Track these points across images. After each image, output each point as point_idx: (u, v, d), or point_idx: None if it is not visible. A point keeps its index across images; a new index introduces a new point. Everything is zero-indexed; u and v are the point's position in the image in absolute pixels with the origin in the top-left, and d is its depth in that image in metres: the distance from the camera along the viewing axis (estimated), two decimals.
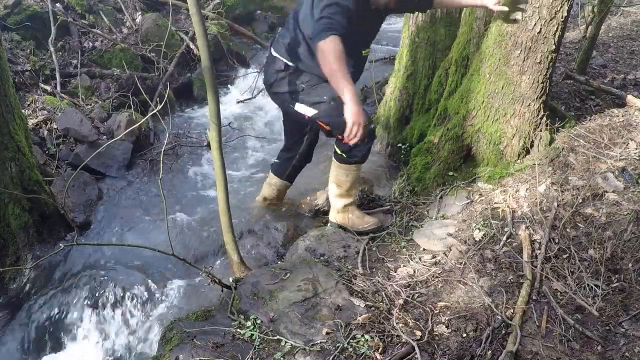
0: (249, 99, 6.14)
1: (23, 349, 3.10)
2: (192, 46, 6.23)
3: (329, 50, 2.55)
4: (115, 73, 5.64)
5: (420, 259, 2.88)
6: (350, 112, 2.54)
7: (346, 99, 2.54)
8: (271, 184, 3.76)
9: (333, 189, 3.26)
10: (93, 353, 3.10)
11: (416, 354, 2.21)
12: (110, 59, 5.88)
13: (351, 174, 3.14)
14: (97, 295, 3.28)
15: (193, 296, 3.24)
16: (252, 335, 2.43)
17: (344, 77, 2.55)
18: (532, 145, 3.33)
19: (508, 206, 3.07)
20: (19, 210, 3.51)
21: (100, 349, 3.12)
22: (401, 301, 2.54)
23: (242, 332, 2.44)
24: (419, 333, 2.34)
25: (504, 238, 2.87)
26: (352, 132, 2.56)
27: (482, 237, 2.92)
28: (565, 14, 2.95)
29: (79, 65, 5.56)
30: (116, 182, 4.55)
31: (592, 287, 2.52)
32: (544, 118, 3.29)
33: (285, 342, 2.35)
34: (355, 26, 2.74)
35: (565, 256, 2.71)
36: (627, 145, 3.24)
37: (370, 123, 2.88)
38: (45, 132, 4.65)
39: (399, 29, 5.19)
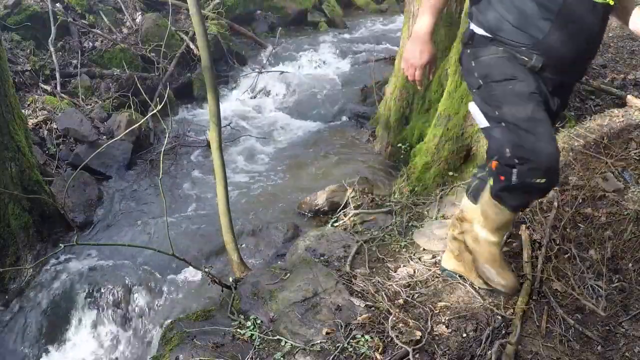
0: (249, 98, 6.14)
1: (23, 348, 3.10)
2: (192, 46, 6.23)
3: None
4: (115, 73, 5.64)
5: (420, 259, 2.88)
6: (407, 46, 2.03)
7: (414, 32, 2.00)
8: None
9: (478, 219, 2.33)
10: (93, 353, 3.10)
11: (416, 354, 2.21)
12: (110, 59, 5.88)
13: (501, 215, 2.21)
14: (97, 295, 3.28)
15: (193, 296, 3.24)
16: (252, 335, 2.43)
17: (428, 12, 1.96)
18: None
19: None
20: (19, 210, 3.51)
21: (100, 348, 3.12)
22: (401, 301, 2.54)
23: (242, 332, 2.44)
24: (418, 333, 2.34)
25: (504, 238, 2.87)
26: (404, 70, 2.06)
27: None
28: None
29: (79, 65, 5.56)
30: (116, 182, 4.55)
31: (595, 287, 2.51)
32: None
33: (285, 342, 2.35)
34: None
35: (565, 256, 2.71)
36: (627, 145, 3.24)
37: (537, 174, 1.94)
38: (45, 132, 4.65)
39: (399, 28, 5.19)
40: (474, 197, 2.34)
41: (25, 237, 3.54)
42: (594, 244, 2.71)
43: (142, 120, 3.49)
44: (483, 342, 2.26)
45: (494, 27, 1.93)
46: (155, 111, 3.13)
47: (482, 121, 2.09)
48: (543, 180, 1.93)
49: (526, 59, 1.91)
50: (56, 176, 4.19)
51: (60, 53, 5.68)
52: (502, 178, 2.03)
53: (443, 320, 2.42)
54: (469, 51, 2.06)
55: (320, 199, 3.80)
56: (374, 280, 2.71)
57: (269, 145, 5.31)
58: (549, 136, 1.93)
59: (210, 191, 4.41)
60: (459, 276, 2.59)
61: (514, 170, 1.97)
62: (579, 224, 2.83)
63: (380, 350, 2.27)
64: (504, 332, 2.32)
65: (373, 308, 2.52)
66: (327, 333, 2.38)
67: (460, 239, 2.46)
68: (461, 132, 3.47)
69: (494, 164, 2.11)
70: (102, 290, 3.30)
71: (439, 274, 2.72)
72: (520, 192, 2.02)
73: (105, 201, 4.29)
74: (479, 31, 2.00)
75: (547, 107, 2.00)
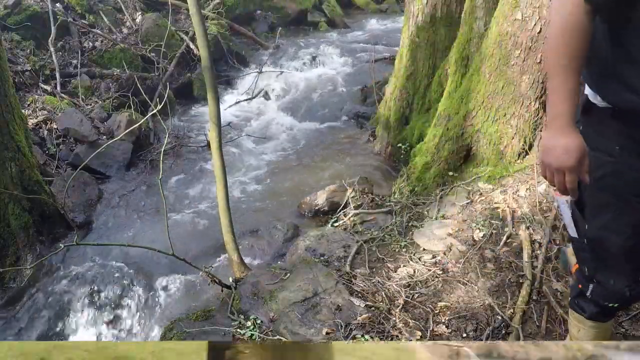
0: (249, 98, 6.14)
1: None
2: (192, 46, 6.23)
3: (556, 16, 1.42)
4: (115, 73, 5.64)
5: (420, 259, 2.88)
6: (542, 145, 1.52)
7: (548, 118, 1.50)
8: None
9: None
10: None
11: None
12: (110, 59, 5.88)
13: (582, 331, 1.88)
14: (96, 295, 3.28)
15: (193, 296, 3.24)
16: (252, 335, 2.43)
17: (562, 80, 1.41)
18: (531, 146, 3.33)
19: (508, 206, 3.07)
20: (19, 210, 3.51)
21: None
22: (401, 301, 2.54)
23: (242, 332, 2.44)
24: (419, 333, 2.34)
25: (504, 238, 2.87)
26: (541, 172, 1.56)
27: (482, 237, 2.92)
28: None
29: (79, 65, 5.56)
30: (116, 182, 4.55)
31: None
32: (544, 118, 3.29)
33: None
34: None
35: None
36: None
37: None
38: (45, 132, 4.65)
39: (399, 28, 5.19)
40: None
41: (25, 237, 3.54)
42: None
43: (142, 120, 3.50)
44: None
45: (614, 100, 1.50)
46: (155, 111, 3.13)
47: (571, 228, 1.71)
48: (615, 305, 1.77)
49: None
50: (56, 176, 4.18)
51: (60, 53, 5.68)
52: (580, 287, 1.82)
53: (443, 320, 2.42)
54: (581, 128, 1.54)
55: (320, 199, 3.80)
56: (374, 280, 2.72)
57: (269, 145, 5.30)
58: (636, 271, 1.69)
59: (210, 191, 4.41)
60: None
61: (591, 286, 1.76)
62: None
63: None
64: (504, 332, 2.33)
65: (373, 308, 2.52)
66: (327, 333, 2.38)
67: None
68: (461, 132, 3.47)
69: (574, 267, 1.88)
70: (102, 290, 3.30)
71: (439, 274, 2.72)
72: (594, 306, 1.81)
73: (105, 201, 4.29)
74: (597, 100, 1.54)
75: None
